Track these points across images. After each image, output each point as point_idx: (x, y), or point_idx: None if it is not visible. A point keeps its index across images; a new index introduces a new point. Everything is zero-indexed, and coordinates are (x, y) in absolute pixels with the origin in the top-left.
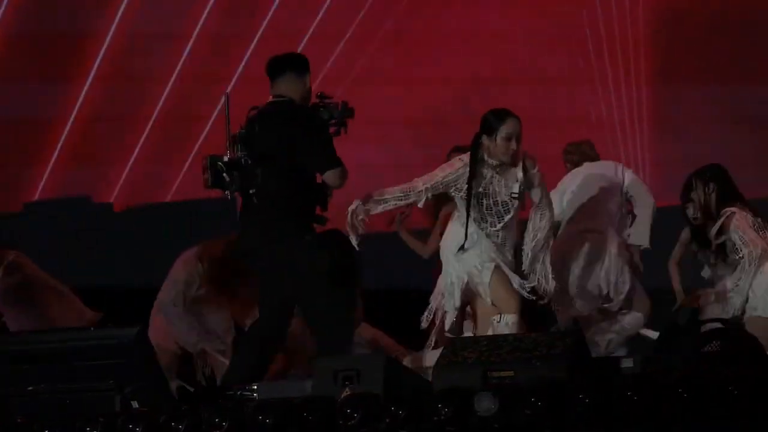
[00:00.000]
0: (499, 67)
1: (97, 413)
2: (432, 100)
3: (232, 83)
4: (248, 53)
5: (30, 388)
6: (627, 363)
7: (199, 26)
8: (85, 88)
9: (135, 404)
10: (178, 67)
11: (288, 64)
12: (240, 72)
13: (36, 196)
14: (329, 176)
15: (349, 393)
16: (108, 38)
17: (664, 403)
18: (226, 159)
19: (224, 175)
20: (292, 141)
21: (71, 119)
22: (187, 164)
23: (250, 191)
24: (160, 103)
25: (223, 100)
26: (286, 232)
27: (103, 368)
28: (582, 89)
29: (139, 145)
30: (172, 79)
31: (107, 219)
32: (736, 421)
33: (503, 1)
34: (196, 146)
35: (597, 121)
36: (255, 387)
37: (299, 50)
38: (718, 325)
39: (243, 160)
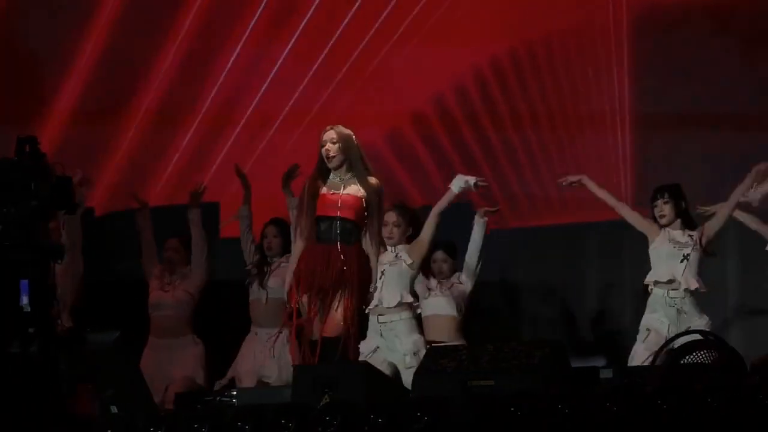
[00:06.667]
0: None
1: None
2: None
3: (217, 86)
4: (234, 55)
5: None
6: (606, 373)
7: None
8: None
9: (114, 409)
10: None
11: None
12: (226, 73)
13: None
14: None
15: (328, 400)
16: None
17: (641, 413)
18: None
19: None
20: None
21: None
22: (169, 170)
23: None
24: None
25: None
26: None
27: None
28: None
29: (121, 150)
30: (156, 83)
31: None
32: None
33: None
34: (178, 153)
35: None
36: (234, 393)
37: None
38: (698, 336)
39: None
